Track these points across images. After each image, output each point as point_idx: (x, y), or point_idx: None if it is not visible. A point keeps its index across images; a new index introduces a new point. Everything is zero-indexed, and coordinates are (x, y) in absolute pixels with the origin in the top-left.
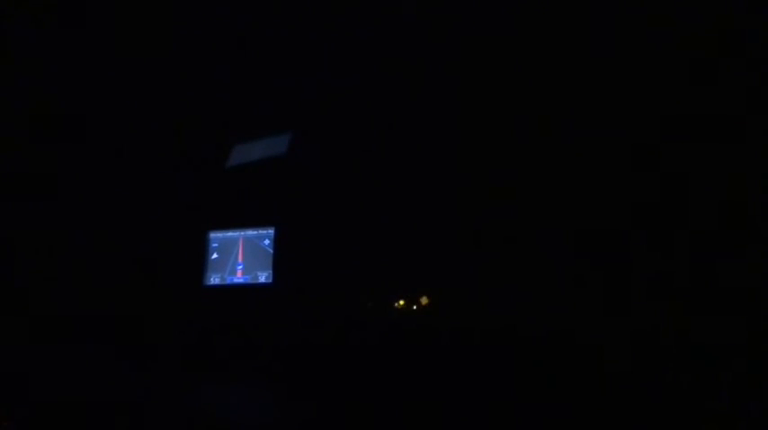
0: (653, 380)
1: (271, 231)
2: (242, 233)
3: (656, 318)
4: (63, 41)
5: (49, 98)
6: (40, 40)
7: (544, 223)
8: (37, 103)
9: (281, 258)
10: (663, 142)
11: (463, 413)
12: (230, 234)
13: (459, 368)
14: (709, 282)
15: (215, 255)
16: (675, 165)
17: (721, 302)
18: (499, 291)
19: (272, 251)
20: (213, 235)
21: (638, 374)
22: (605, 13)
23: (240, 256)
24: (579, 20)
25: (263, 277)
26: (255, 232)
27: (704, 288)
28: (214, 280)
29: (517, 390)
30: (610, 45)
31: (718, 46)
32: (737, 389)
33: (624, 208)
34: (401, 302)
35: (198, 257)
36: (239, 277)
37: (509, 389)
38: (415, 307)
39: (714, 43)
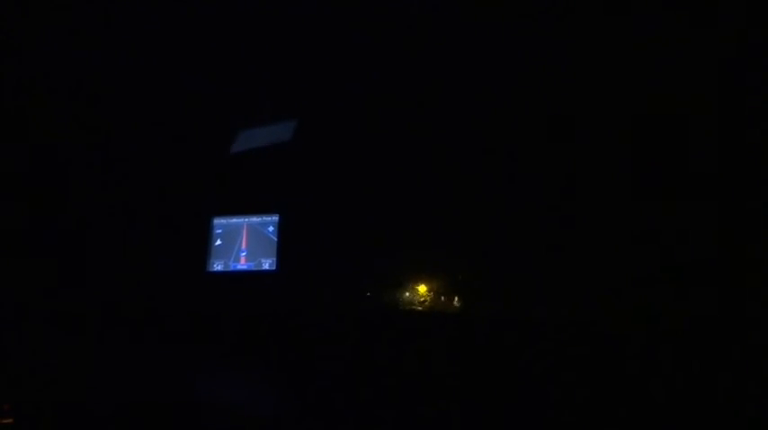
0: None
1: (275, 218)
2: (246, 219)
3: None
4: (67, 30)
5: (49, 86)
6: (45, 30)
7: (554, 216)
8: (36, 92)
9: (285, 245)
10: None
11: (465, 404)
12: (234, 220)
13: (462, 357)
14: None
15: (218, 242)
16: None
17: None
18: (505, 281)
19: (275, 238)
20: (217, 221)
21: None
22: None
23: (244, 243)
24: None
25: (267, 264)
26: (260, 219)
27: None
28: (217, 266)
29: (520, 385)
30: None
31: None
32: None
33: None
34: (406, 292)
35: (201, 243)
36: (243, 264)
37: (512, 381)
38: (422, 298)
39: None
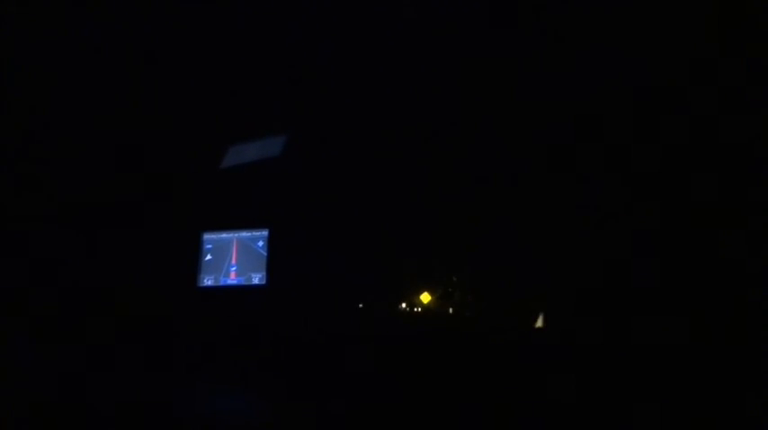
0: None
1: (265, 233)
2: (236, 234)
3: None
4: (59, 38)
5: (43, 98)
6: (37, 38)
7: (546, 225)
8: (31, 104)
9: (275, 260)
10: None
11: (459, 415)
12: (224, 235)
13: (455, 368)
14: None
15: (208, 257)
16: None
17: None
18: (495, 290)
19: (265, 253)
20: (207, 236)
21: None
22: None
23: (234, 258)
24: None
25: (257, 279)
26: (249, 233)
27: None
28: (207, 281)
29: (516, 392)
30: None
31: None
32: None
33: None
34: (402, 304)
35: (191, 258)
36: (233, 279)
37: (508, 391)
38: (418, 308)
39: None
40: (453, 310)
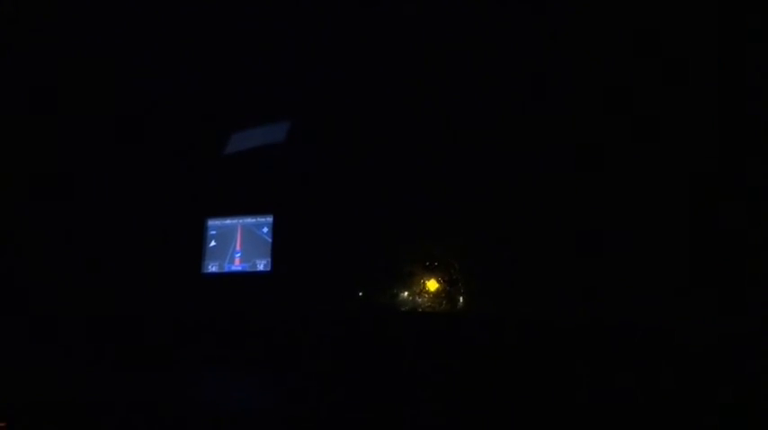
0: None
1: (269, 219)
2: (240, 220)
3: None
4: (63, 26)
5: (45, 85)
6: (42, 25)
7: (551, 218)
8: (34, 90)
9: (280, 246)
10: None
11: (461, 406)
12: (228, 221)
13: (458, 359)
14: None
15: (213, 243)
16: None
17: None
18: (499, 279)
19: (270, 239)
20: (211, 222)
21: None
22: None
23: (238, 244)
24: None
25: (262, 265)
26: (254, 220)
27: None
28: (212, 268)
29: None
30: None
31: None
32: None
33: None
34: (405, 292)
35: (195, 245)
36: (237, 265)
37: (506, 380)
38: (425, 296)
39: None
40: (464, 300)
